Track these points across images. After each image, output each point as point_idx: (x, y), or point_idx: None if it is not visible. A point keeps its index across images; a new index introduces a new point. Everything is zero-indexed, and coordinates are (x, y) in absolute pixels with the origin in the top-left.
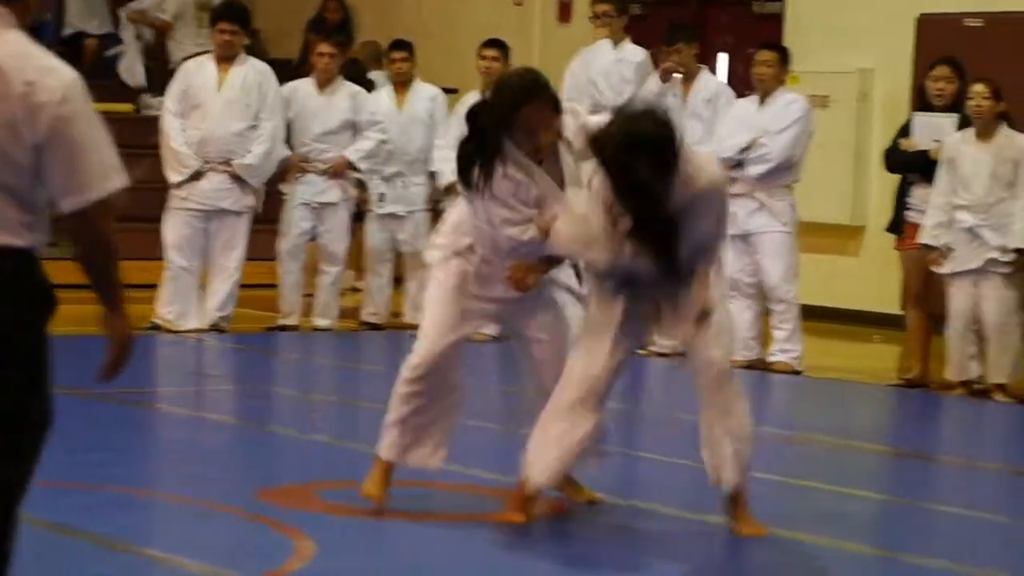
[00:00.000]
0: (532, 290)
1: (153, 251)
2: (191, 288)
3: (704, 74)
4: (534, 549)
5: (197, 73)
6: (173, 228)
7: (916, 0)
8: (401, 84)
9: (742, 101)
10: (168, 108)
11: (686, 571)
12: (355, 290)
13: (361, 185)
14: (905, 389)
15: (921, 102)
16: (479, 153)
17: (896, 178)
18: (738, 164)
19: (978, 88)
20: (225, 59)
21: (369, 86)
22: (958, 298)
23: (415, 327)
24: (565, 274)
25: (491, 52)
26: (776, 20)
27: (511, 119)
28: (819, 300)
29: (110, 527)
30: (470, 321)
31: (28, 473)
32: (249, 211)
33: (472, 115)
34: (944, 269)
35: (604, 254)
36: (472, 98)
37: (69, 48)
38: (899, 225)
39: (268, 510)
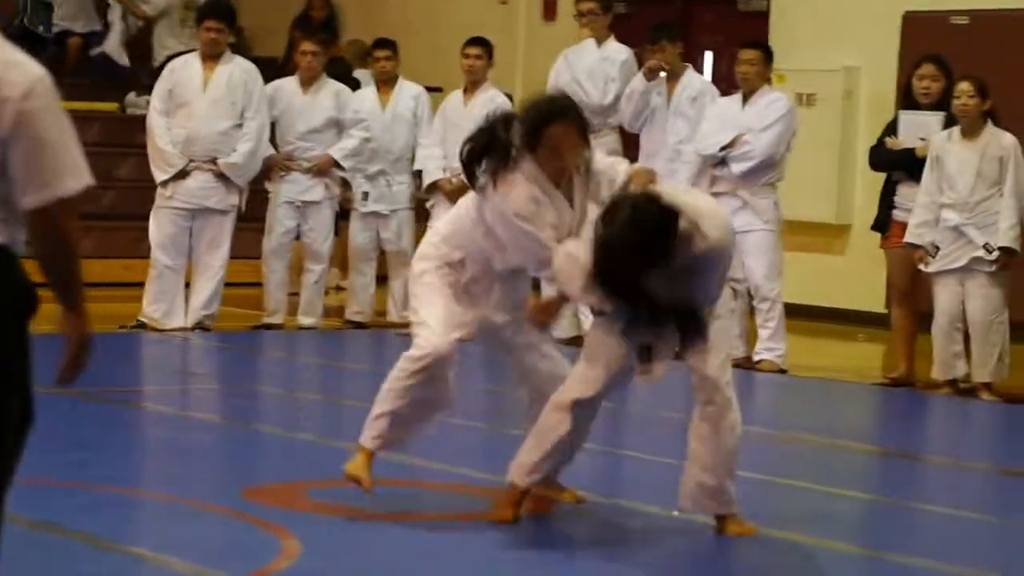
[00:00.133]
0: (548, 327)
1: (138, 250)
2: (176, 287)
3: (689, 72)
4: (519, 548)
5: (183, 72)
6: (158, 227)
7: None
8: (385, 83)
9: (725, 99)
10: (154, 107)
11: (672, 571)
12: (339, 288)
13: (345, 183)
14: (891, 388)
15: (907, 100)
16: (489, 152)
17: (881, 176)
18: (721, 162)
19: (964, 86)
20: (211, 58)
21: (354, 84)
22: (943, 296)
23: (399, 326)
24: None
25: (474, 51)
26: (762, 18)
27: (537, 135)
28: (805, 299)
29: (96, 526)
30: (466, 324)
31: (10, 472)
32: (233, 209)
33: (495, 122)
34: (930, 268)
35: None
36: (456, 97)
37: (55, 47)
38: (885, 224)
39: (254, 509)
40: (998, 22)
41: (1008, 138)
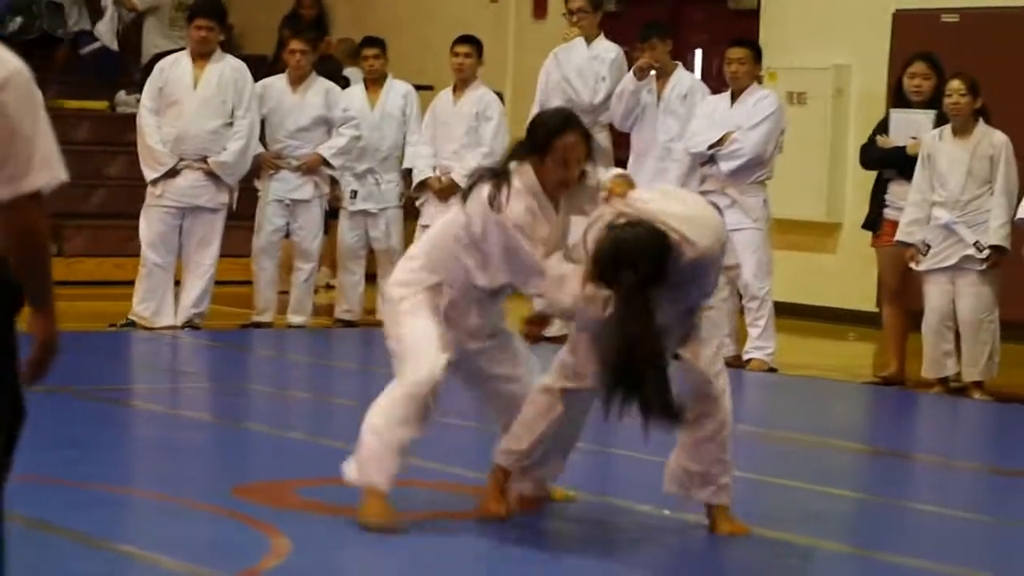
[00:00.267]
0: (534, 341)
1: (128, 248)
2: (166, 285)
3: (679, 71)
4: (511, 547)
5: (173, 70)
6: (149, 225)
7: None
8: (373, 81)
9: (714, 98)
10: (144, 105)
11: (664, 570)
12: (329, 287)
13: (334, 182)
14: (881, 387)
15: (898, 99)
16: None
17: (872, 175)
18: (710, 160)
19: (955, 84)
20: (201, 56)
21: (344, 83)
22: (934, 295)
23: None
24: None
25: (463, 49)
26: (752, 16)
27: (549, 144)
28: (795, 297)
29: (86, 524)
30: (450, 345)
31: (5, 468)
32: (224, 208)
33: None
34: (920, 266)
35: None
36: (446, 95)
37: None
38: (875, 222)
39: (244, 507)
40: (988, 20)
41: (999, 136)
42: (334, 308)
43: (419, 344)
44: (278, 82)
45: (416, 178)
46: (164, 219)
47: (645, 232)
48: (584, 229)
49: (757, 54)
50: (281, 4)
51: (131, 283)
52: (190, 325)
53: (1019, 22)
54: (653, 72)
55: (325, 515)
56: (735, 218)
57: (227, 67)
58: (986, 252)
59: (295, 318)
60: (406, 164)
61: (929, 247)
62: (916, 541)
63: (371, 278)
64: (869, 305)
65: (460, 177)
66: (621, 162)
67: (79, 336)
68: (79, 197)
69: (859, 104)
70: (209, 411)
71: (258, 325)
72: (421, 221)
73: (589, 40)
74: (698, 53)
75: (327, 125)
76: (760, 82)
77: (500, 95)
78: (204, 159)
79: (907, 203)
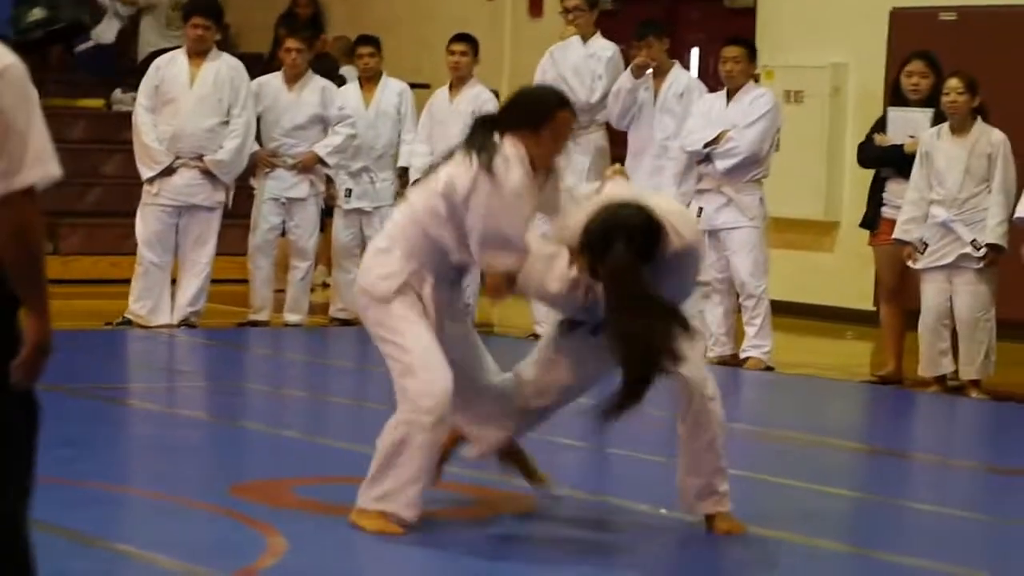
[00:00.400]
0: (504, 298)
1: (124, 246)
2: (162, 283)
3: (676, 69)
4: (506, 546)
5: (169, 68)
6: (145, 223)
7: None
8: (368, 79)
9: (710, 96)
10: (140, 103)
11: (661, 569)
12: (325, 285)
13: (329, 180)
14: (879, 386)
15: (896, 97)
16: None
17: (870, 173)
18: (706, 159)
19: (953, 83)
20: (197, 54)
21: (341, 81)
22: (931, 293)
23: None
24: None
25: (460, 47)
26: (748, 15)
27: (549, 116)
28: (793, 296)
29: (82, 522)
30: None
31: (21, 473)
32: (220, 206)
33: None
34: (918, 264)
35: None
36: (442, 93)
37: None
38: (873, 221)
39: (240, 506)
40: (986, 18)
41: (997, 134)
42: (329, 307)
43: (425, 364)
44: (274, 80)
45: (412, 176)
46: (160, 217)
47: (638, 209)
48: (572, 210)
49: (752, 53)
50: (277, 2)
51: (127, 281)
52: (186, 323)
53: (1017, 20)
54: (650, 70)
55: (322, 514)
56: (731, 216)
57: (223, 65)
58: (983, 250)
59: (291, 316)
60: (401, 162)
61: (927, 245)
62: (913, 540)
63: None
64: (866, 304)
65: None
66: (618, 160)
67: (75, 334)
68: (75, 195)
69: (856, 103)
70: (205, 410)
71: (254, 323)
72: None
73: (585, 38)
74: (695, 51)
75: (323, 123)
76: (756, 80)
77: (496, 93)
78: (200, 157)
79: (905, 201)
